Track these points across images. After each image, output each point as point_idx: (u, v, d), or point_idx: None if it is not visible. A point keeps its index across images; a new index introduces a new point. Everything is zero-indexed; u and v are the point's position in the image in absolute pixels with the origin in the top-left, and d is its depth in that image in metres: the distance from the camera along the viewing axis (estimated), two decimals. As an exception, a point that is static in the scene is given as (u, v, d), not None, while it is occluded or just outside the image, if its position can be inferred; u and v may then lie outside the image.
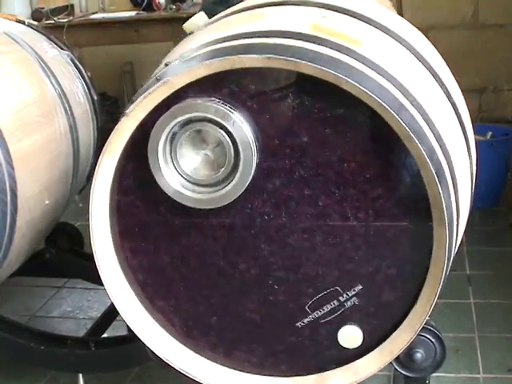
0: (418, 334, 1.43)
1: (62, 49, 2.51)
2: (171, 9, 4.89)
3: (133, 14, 5.01)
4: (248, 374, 1.56)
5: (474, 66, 4.49)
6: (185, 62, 1.39)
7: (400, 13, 2.85)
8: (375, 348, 1.47)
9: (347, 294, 1.45)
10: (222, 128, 1.33)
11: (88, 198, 1.45)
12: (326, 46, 1.37)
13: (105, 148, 1.40)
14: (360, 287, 1.44)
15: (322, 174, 1.38)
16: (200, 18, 2.34)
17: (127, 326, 1.52)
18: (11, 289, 2.84)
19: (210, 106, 1.33)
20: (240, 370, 1.56)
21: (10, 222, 1.89)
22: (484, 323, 2.75)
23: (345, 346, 1.48)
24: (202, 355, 1.55)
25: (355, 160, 1.37)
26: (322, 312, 1.47)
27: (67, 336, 2.33)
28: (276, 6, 1.65)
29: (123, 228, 1.48)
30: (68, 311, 3.04)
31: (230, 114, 1.32)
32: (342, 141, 1.37)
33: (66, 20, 4.92)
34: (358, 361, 1.49)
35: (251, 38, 1.40)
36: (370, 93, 1.28)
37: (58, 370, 2.44)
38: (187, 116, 1.34)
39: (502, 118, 4.65)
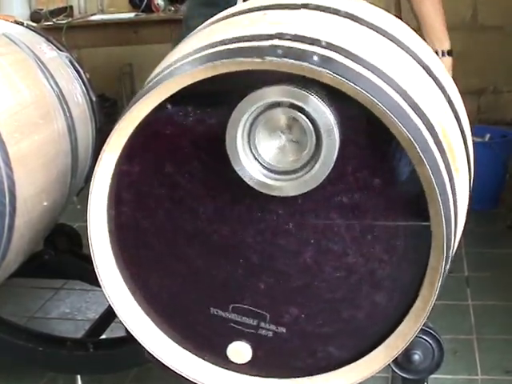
0: (416, 336, 1.43)
1: (60, 50, 2.51)
2: (170, 10, 4.89)
3: (132, 15, 5.01)
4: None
5: (473, 67, 4.49)
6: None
7: (398, 15, 2.85)
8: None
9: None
10: (301, 112, 1.28)
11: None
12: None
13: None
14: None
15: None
16: None
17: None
18: (10, 290, 2.84)
19: (287, 90, 1.27)
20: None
21: (9, 222, 1.89)
22: (482, 325, 2.75)
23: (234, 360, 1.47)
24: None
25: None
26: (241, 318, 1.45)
27: (66, 337, 2.33)
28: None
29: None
30: (66, 312, 3.04)
31: (310, 96, 1.27)
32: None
33: (64, 21, 4.90)
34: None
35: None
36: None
37: (56, 372, 2.44)
38: (264, 101, 1.28)
39: (501, 119, 4.65)
